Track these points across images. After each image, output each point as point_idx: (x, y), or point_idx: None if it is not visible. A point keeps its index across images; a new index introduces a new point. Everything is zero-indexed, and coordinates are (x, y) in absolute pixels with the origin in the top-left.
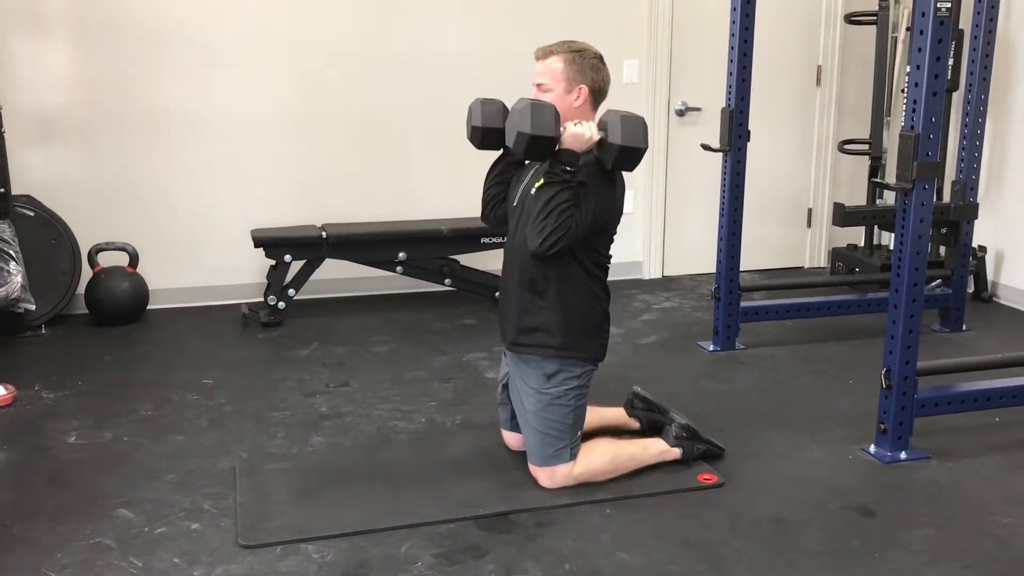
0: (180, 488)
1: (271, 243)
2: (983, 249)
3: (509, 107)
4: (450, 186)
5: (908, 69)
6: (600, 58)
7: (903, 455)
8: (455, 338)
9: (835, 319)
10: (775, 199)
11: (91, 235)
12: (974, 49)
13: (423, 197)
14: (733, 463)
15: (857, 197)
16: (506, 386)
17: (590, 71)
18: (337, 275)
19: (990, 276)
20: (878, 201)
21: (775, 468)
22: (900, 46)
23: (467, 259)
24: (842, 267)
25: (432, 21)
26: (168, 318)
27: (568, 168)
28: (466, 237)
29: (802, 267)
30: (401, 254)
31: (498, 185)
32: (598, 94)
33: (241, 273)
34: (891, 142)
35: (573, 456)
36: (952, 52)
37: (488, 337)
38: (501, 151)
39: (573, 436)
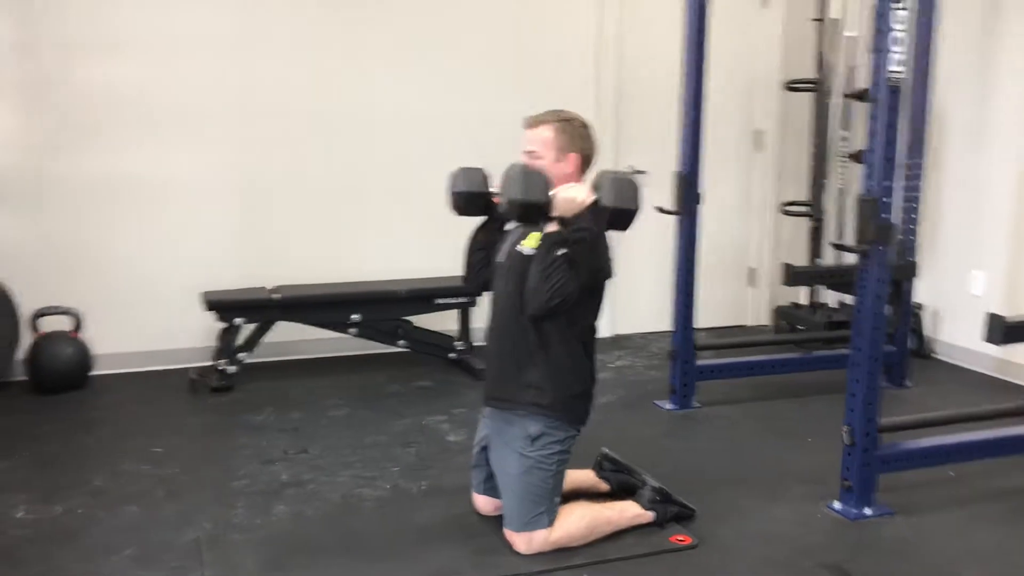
0: (142, 563)
1: (223, 306)
2: (919, 307)
3: (485, 172)
4: (404, 246)
5: (843, 134)
6: (587, 126)
7: (868, 511)
8: (412, 401)
9: (783, 376)
10: (719, 259)
11: (34, 300)
12: (913, 115)
13: (376, 257)
14: (704, 524)
15: (797, 257)
16: (485, 448)
17: (579, 139)
18: (288, 337)
19: (927, 333)
20: (817, 260)
21: (746, 528)
22: (836, 113)
23: (420, 320)
24: (786, 325)
25: (383, 80)
26: (114, 384)
27: (562, 231)
28: (421, 298)
29: (745, 325)
30: (355, 316)
31: (483, 251)
32: (587, 161)
33: (189, 336)
34: (829, 204)
35: (551, 521)
36: None
37: (445, 399)
38: (485, 218)
39: (552, 501)
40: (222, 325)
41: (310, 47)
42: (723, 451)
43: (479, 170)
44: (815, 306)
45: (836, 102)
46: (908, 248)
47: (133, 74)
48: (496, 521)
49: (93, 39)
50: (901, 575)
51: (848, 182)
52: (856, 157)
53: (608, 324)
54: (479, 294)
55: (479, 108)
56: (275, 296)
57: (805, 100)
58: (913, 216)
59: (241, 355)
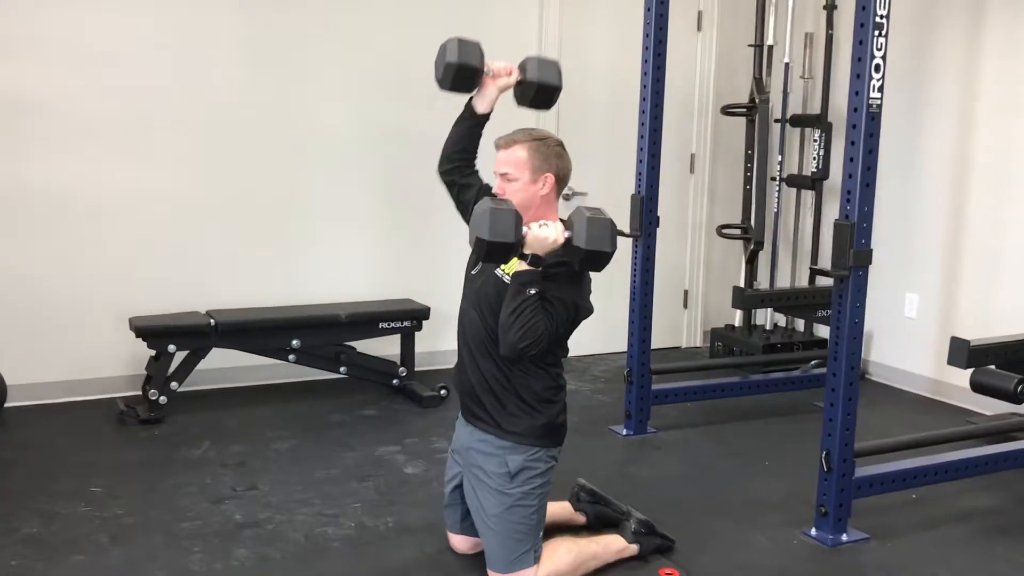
0: None
1: (154, 332)
2: None
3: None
4: (344, 268)
5: (779, 158)
6: (562, 145)
7: (844, 537)
8: (359, 431)
9: (732, 399)
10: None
11: None
12: (852, 142)
13: (315, 280)
14: (685, 555)
15: (730, 279)
16: (458, 487)
17: (554, 159)
18: (220, 364)
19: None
20: (754, 283)
21: (728, 558)
22: (772, 137)
23: (361, 345)
24: (721, 347)
25: (323, 95)
26: (32, 417)
27: (534, 271)
28: (365, 323)
29: (679, 347)
30: (295, 341)
31: (464, 142)
32: (562, 181)
33: (113, 364)
34: (766, 228)
35: (537, 559)
36: (822, 144)
37: (394, 429)
38: (469, 99)
39: (536, 538)
40: (152, 352)
41: (248, 58)
42: (689, 478)
43: (476, 43)
44: (750, 328)
45: (770, 127)
46: None
47: (56, 80)
48: (476, 559)
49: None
50: None
51: (782, 206)
52: (789, 181)
53: None
54: (445, 177)
55: (419, 128)
56: (211, 321)
57: (736, 124)
58: None
59: (173, 384)
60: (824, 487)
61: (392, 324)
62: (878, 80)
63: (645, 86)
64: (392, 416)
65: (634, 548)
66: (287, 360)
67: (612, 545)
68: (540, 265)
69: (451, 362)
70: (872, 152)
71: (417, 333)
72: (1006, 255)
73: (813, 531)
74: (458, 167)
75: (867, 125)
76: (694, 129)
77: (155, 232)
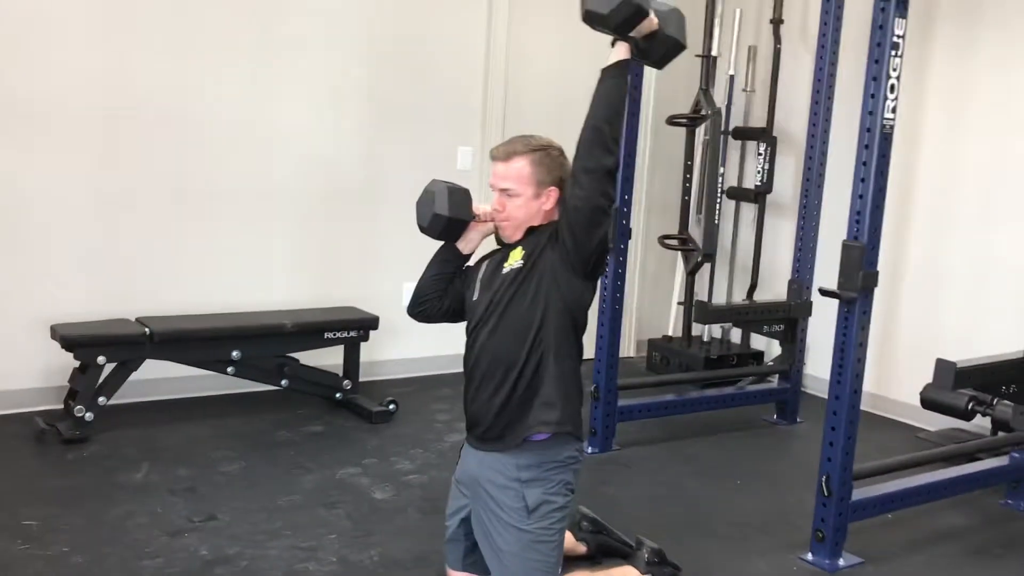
0: None
1: (82, 342)
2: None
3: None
4: (280, 272)
5: (722, 170)
6: (562, 151)
7: (841, 562)
8: (310, 450)
9: (681, 415)
10: None
11: None
12: (810, 158)
13: (248, 285)
14: None
15: (664, 289)
16: (465, 520)
17: (558, 169)
18: (147, 376)
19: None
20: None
21: None
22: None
23: (304, 356)
24: (659, 358)
25: (262, 90)
26: None
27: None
28: (311, 332)
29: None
30: (235, 352)
31: (440, 280)
32: (565, 191)
33: (27, 376)
34: (705, 239)
35: None
36: (767, 157)
37: (347, 448)
38: (445, 247)
39: (557, 575)
40: (76, 364)
41: (177, 43)
42: (665, 498)
43: (466, 192)
44: (689, 339)
45: (710, 139)
46: (805, 287)
47: None
48: None
49: None
50: None
51: (723, 218)
52: (730, 193)
53: None
54: (420, 321)
55: (362, 124)
56: (145, 330)
57: (674, 134)
58: (811, 256)
59: (100, 399)
60: (823, 512)
61: (338, 334)
62: (892, 101)
63: None
64: (342, 433)
65: None
66: (225, 372)
67: None
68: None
69: (393, 373)
70: (883, 173)
71: (363, 344)
72: (946, 274)
73: (809, 556)
74: (431, 303)
75: (880, 146)
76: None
77: (73, 231)
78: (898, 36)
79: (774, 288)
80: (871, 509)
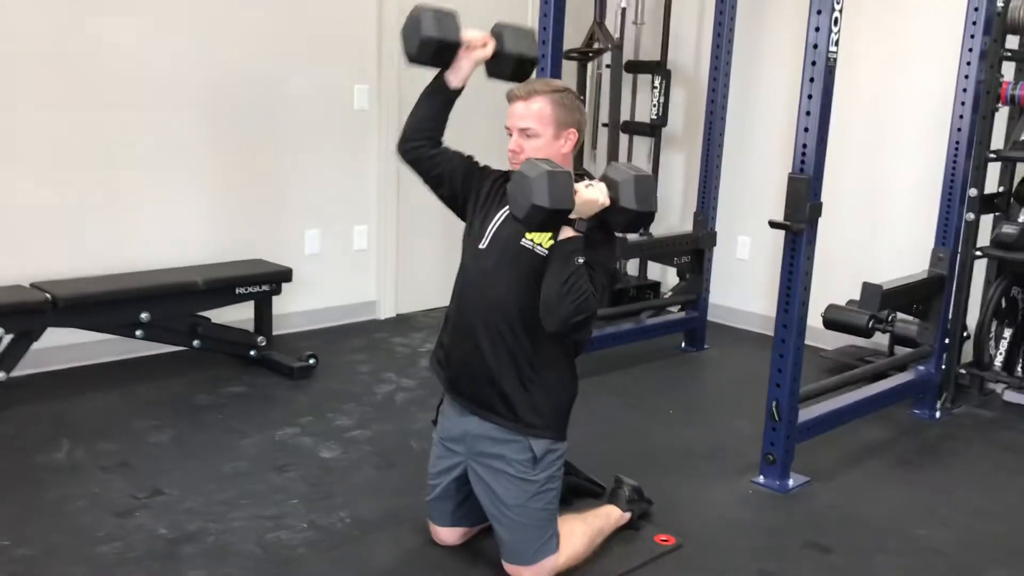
0: None
1: None
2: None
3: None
4: (180, 226)
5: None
6: (578, 95)
7: (791, 482)
8: (239, 413)
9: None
10: None
11: None
12: (713, 90)
13: (148, 241)
14: (662, 516)
15: None
16: (457, 478)
17: (576, 112)
18: (45, 344)
19: None
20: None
21: (700, 515)
22: (611, 84)
23: (215, 314)
24: None
25: (155, 28)
26: None
27: (578, 237)
28: (222, 289)
29: None
30: (144, 315)
31: (434, 120)
32: (582, 136)
33: None
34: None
35: (558, 545)
36: (662, 91)
37: (277, 408)
38: (438, 72)
39: (556, 522)
40: None
41: None
42: (605, 433)
43: (452, 12)
44: None
45: (612, 72)
46: (710, 218)
47: None
48: (466, 551)
49: None
50: (869, 542)
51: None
52: (624, 127)
53: (390, 304)
54: (408, 163)
55: (256, 63)
56: (47, 296)
57: (567, 69)
58: (715, 188)
59: (0, 374)
60: (772, 436)
61: (250, 289)
62: (836, 34)
63: (544, 40)
64: (265, 392)
65: (627, 515)
66: (133, 336)
67: (611, 516)
68: (584, 230)
69: (300, 325)
70: (827, 107)
71: (275, 298)
72: (835, 198)
73: (761, 478)
74: (425, 145)
75: (825, 79)
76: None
77: None
78: None
79: (667, 221)
80: (814, 430)
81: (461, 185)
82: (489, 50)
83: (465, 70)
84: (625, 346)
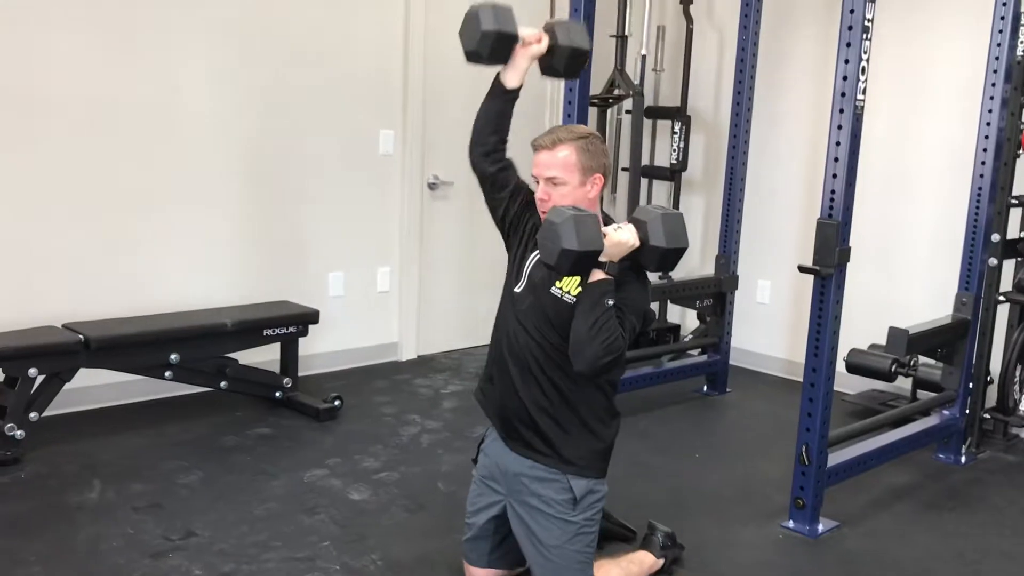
0: None
1: (10, 354)
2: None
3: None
4: (210, 268)
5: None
6: (603, 140)
7: (820, 527)
8: (266, 455)
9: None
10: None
11: None
12: (734, 136)
13: (177, 283)
14: (694, 561)
15: None
16: (495, 516)
17: (601, 156)
18: (74, 385)
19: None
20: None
21: (734, 560)
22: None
23: (243, 356)
24: None
25: (177, 82)
26: None
27: (608, 279)
28: (251, 330)
29: None
30: (173, 356)
31: (495, 123)
32: (607, 179)
33: None
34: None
35: None
36: (682, 136)
37: (304, 449)
38: (496, 74)
39: (591, 566)
40: (0, 378)
41: (91, 23)
42: (633, 475)
43: (508, 7)
44: None
45: (633, 118)
46: (732, 262)
47: None
48: None
49: None
50: None
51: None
52: (644, 172)
53: (411, 345)
54: (478, 168)
55: (284, 112)
56: (80, 338)
57: (590, 114)
58: (737, 231)
59: (32, 415)
60: (801, 480)
61: (278, 331)
62: (863, 82)
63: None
64: (292, 434)
65: (661, 561)
66: (162, 377)
67: (645, 563)
68: (615, 272)
69: (324, 367)
70: (855, 152)
71: (302, 340)
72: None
73: (791, 523)
74: (492, 154)
75: (853, 125)
76: (546, 118)
77: None
78: (868, 20)
79: (687, 264)
80: (842, 474)
81: (515, 216)
82: (544, 44)
83: (522, 66)
84: (647, 389)
